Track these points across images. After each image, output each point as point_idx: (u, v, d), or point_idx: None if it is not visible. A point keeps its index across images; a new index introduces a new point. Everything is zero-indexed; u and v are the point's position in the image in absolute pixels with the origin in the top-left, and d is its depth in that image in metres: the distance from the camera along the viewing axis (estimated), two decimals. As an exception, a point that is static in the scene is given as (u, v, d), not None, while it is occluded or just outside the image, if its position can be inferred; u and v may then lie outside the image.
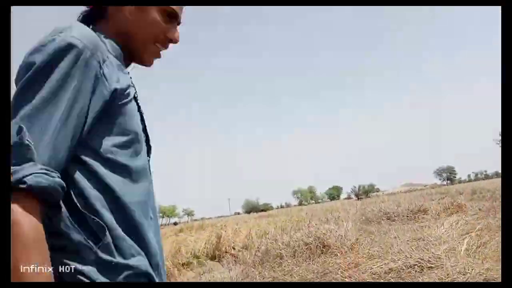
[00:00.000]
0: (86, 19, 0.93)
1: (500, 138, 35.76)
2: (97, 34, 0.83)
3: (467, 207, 9.26)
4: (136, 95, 0.91)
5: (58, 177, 0.70)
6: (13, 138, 0.67)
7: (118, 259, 0.77)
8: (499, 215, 6.97)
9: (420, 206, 9.61)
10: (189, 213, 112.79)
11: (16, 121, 0.68)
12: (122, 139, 0.83)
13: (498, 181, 29.14)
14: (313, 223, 8.80)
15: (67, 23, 0.79)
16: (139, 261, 0.80)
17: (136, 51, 0.95)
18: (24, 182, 0.64)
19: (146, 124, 0.97)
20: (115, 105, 0.81)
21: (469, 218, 7.45)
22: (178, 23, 0.99)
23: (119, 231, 0.78)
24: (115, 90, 0.80)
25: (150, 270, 0.82)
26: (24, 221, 0.64)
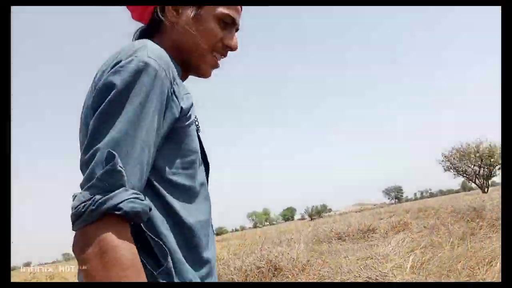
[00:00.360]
0: (142, 36, 0.92)
1: (442, 158, 37.86)
2: None
3: (413, 225, 9.64)
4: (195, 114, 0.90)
5: (146, 199, 0.71)
6: (104, 163, 0.66)
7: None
8: (442, 232, 7.30)
9: (369, 226, 9.91)
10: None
11: (104, 145, 0.68)
12: (185, 160, 0.82)
13: (441, 199, 30.67)
14: (266, 246, 8.77)
15: (140, 42, 0.79)
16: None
17: (193, 63, 0.92)
18: (120, 209, 0.64)
19: (202, 140, 0.94)
20: (180, 125, 0.80)
21: (415, 236, 7.72)
22: (237, 29, 0.95)
23: (180, 255, 0.78)
24: (181, 109, 0.79)
25: None
26: (122, 246, 0.64)
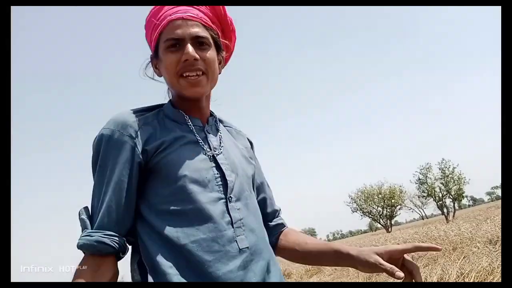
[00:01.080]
0: None
1: (349, 200, 40.16)
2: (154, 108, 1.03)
3: (325, 267, 9.94)
4: (197, 138, 0.98)
5: (100, 235, 0.85)
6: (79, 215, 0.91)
7: None
8: (351, 273, 7.62)
9: (284, 270, 10.01)
10: None
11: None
12: (171, 188, 0.91)
13: (351, 240, 32.10)
14: None
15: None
16: None
17: (180, 92, 1.00)
18: (78, 245, 0.86)
19: (221, 162, 0.99)
20: (154, 162, 0.92)
21: (327, 278, 7.99)
22: (188, 41, 0.96)
23: (171, 275, 0.85)
24: (145, 151, 0.92)
25: None
26: (74, 275, 0.85)
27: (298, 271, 9.80)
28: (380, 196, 38.50)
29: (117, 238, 0.87)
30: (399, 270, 0.88)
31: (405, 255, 0.95)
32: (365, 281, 6.63)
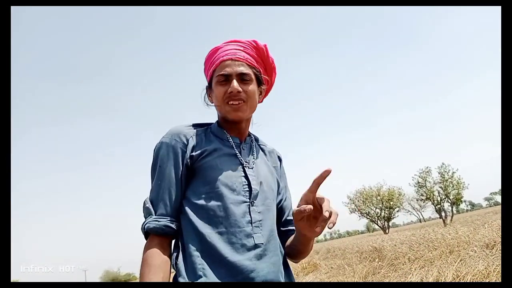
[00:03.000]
0: None
1: (347, 201, 40.18)
2: (199, 125, 1.28)
3: (322, 265, 9.97)
4: (234, 152, 1.22)
5: (166, 221, 1.11)
6: (143, 205, 1.16)
7: (189, 279, 1.04)
8: (347, 272, 7.64)
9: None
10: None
11: (147, 197, 1.17)
12: (205, 188, 1.14)
13: (348, 240, 32.15)
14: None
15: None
16: (201, 280, 1.03)
17: (226, 116, 1.24)
18: (144, 228, 1.11)
19: (249, 173, 1.20)
20: (197, 166, 1.17)
21: (323, 276, 7.99)
22: (237, 74, 1.21)
23: (195, 257, 1.06)
24: (192, 156, 1.17)
25: None
26: (147, 252, 1.07)
27: (294, 269, 9.80)
28: (378, 197, 38.52)
29: (176, 222, 1.13)
30: (305, 206, 0.99)
31: (317, 194, 1.04)
32: (360, 280, 6.66)
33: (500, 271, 4.61)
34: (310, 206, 0.99)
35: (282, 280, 1.13)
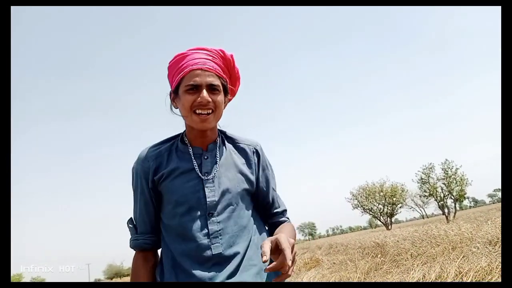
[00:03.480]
0: None
1: (350, 196, 40.15)
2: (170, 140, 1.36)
3: (324, 261, 9.98)
4: (192, 167, 1.27)
5: (144, 238, 1.28)
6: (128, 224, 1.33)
7: None
8: (349, 268, 7.65)
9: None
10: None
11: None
12: (169, 207, 1.25)
13: (350, 235, 32.14)
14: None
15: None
16: None
17: (191, 125, 1.26)
18: (130, 245, 1.30)
19: (207, 185, 1.24)
20: (160, 187, 1.27)
21: (325, 272, 7.99)
22: (204, 87, 1.21)
23: (167, 270, 1.22)
24: (153, 180, 1.27)
25: None
26: (133, 265, 1.27)
27: (296, 265, 9.81)
28: (381, 193, 38.45)
29: (153, 238, 1.29)
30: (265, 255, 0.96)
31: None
32: (362, 275, 6.66)
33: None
34: (266, 258, 0.94)
35: (259, 276, 1.20)
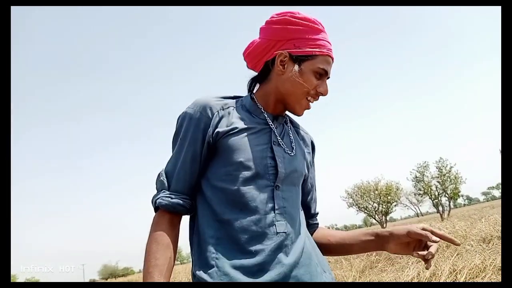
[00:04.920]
0: (254, 81, 1.22)
1: (345, 195, 40.25)
2: (228, 97, 1.15)
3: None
4: (265, 128, 1.11)
5: (179, 198, 1.04)
6: (157, 178, 1.09)
7: (200, 268, 0.99)
8: (345, 266, 7.66)
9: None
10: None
11: (163, 169, 1.10)
12: (227, 169, 1.04)
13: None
14: None
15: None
16: (212, 270, 0.97)
17: (291, 104, 1.14)
18: (156, 202, 1.05)
19: (278, 154, 1.08)
20: (220, 143, 1.05)
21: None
22: (328, 78, 1.13)
23: (208, 244, 1.00)
24: (215, 133, 1.05)
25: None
26: (157, 228, 1.02)
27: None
28: (376, 192, 38.53)
29: (189, 201, 1.07)
30: (426, 254, 1.00)
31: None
32: (357, 274, 6.69)
33: (497, 266, 4.64)
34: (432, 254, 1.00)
35: (316, 271, 1.04)
